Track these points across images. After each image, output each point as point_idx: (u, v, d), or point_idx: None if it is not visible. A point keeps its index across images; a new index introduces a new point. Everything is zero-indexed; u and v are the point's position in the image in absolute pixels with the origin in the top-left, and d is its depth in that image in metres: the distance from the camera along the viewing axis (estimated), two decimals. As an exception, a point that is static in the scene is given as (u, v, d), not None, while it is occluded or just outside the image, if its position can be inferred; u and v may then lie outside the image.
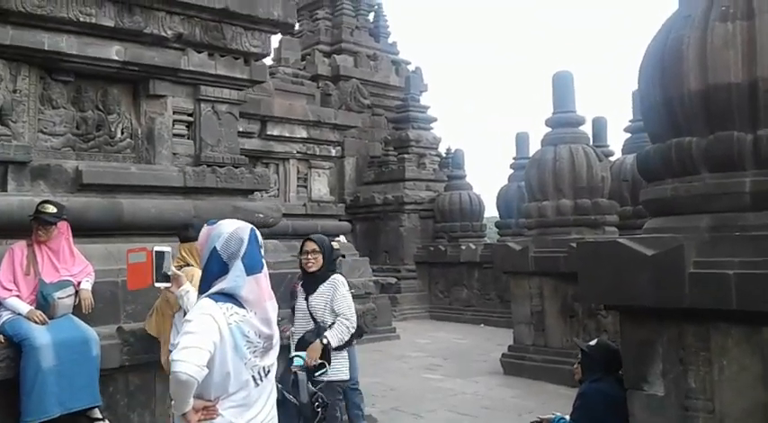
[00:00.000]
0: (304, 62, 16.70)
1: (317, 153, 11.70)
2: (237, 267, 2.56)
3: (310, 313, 4.69)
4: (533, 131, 9.20)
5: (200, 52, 6.07)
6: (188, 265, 4.68)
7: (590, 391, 3.90)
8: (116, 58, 5.61)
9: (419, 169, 15.70)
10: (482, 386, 7.97)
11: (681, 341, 3.48)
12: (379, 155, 16.44)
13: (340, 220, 13.10)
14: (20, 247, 4.35)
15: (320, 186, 11.86)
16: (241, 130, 10.65)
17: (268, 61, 14.95)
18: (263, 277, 2.64)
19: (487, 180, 54.52)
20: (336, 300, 4.63)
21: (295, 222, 11.29)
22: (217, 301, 2.51)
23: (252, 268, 2.59)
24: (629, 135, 11.06)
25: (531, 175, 8.78)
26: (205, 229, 2.70)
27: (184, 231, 4.76)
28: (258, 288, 2.59)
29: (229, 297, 2.54)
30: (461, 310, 14.30)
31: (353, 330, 4.64)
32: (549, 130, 8.85)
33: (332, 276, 4.71)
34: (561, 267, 7.94)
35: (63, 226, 4.56)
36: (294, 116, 11.15)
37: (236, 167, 6.30)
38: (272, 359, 2.68)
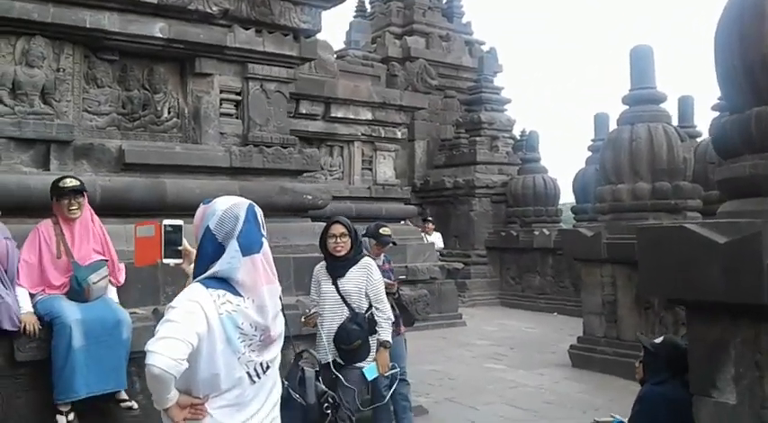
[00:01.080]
0: (374, 45, 16.42)
1: (383, 135, 11.39)
2: (232, 247, 2.28)
3: (343, 298, 4.43)
4: (614, 113, 8.62)
5: (247, 29, 5.86)
6: None
7: (651, 395, 3.46)
8: (160, 35, 5.46)
9: (491, 152, 15.16)
10: (547, 379, 7.52)
11: (757, 343, 2.99)
12: (450, 138, 15.99)
13: (406, 204, 12.80)
14: (46, 226, 4.21)
15: (385, 169, 11.55)
16: (304, 112, 10.52)
17: (338, 45, 14.76)
18: (261, 259, 2.34)
19: (564, 165, 52.79)
20: (371, 285, 4.39)
21: (359, 205, 11.06)
22: (208, 287, 2.24)
23: (248, 248, 2.30)
24: (716, 114, 10.19)
25: (605, 156, 8.19)
26: (201, 207, 2.44)
27: None
28: (255, 270, 2.29)
29: (223, 283, 2.27)
30: (534, 297, 13.75)
31: (392, 320, 4.36)
32: (626, 108, 8.22)
33: (363, 260, 4.43)
34: (636, 255, 7.33)
35: (86, 201, 4.41)
36: (359, 98, 10.87)
37: (285, 148, 6.08)
38: (272, 353, 2.39)
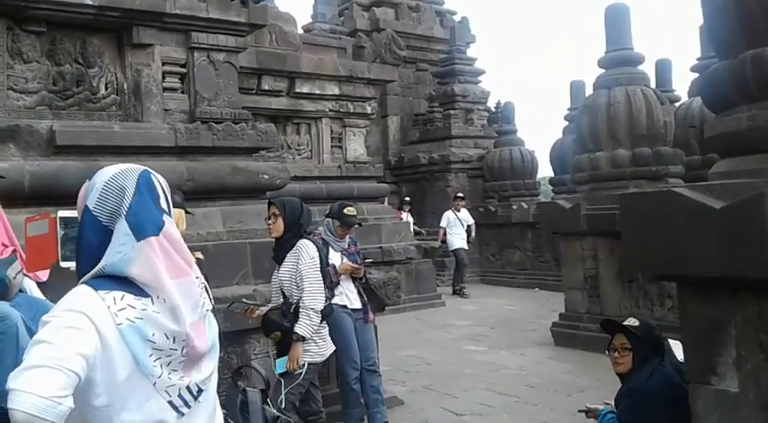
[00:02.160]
0: (342, 18, 15.85)
1: (352, 111, 10.90)
2: (121, 230, 1.63)
3: (280, 287, 4.07)
4: (591, 80, 8.20)
5: (188, -7, 5.34)
6: None
7: (645, 388, 3.03)
8: (90, 2, 4.94)
9: (466, 126, 14.72)
10: (529, 359, 7.16)
11: (762, 321, 2.60)
12: (423, 112, 15.51)
13: (379, 182, 12.36)
14: None
15: (356, 146, 11.08)
16: (267, 88, 9.98)
17: (304, 19, 14.13)
18: (163, 242, 1.63)
19: (542, 137, 52.04)
20: (298, 269, 3.97)
21: (329, 185, 10.62)
22: (97, 289, 1.56)
23: (141, 228, 1.62)
24: (696, 76, 9.83)
25: (582, 123, 7.79)
26: (84, 184, 1.77)
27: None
28: (155, 258, 1.60)
29: (120, 281, 1.60)
30: (514, 273, 13.42)
31: (318, 309, 3.99)
32: (603, 71, 7.81)
33: (297, 243, 4.01)
34: (617, 226, 6.96)
35: None
36: (324, 71, 10.35)
37: (237, 123, 5.59)
38: (204, 372, 1.71)
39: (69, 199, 4.69)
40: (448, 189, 14.24)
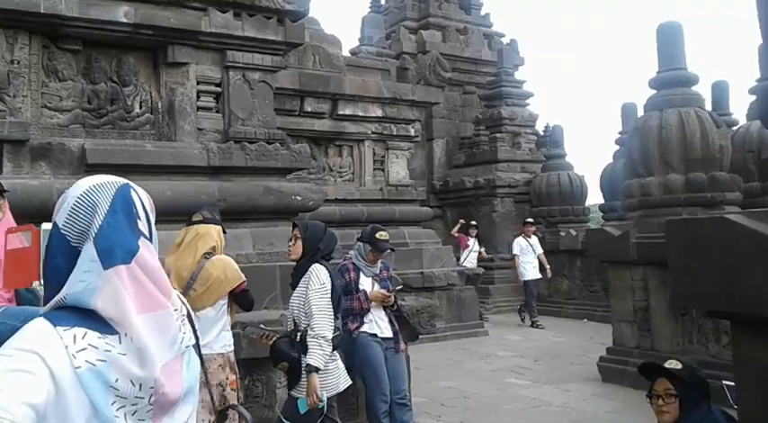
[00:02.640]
0: (389, 41, 15.80)
1: (395, 133, 10.76)
2: (87, 256, 1.40)
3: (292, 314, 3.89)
4: (643, 102, 7.85)
5: (224, 11, 5.30)
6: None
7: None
8: (125, 20, 4.92)
9: (513, 149, 14.41)
10: (573, 396, 6.78)
11: (831, 369, 2.28)
12: (470, 135, 15.27)
13: (422, 206, 12.14)
14: None
15: (398, 169, 10.92)
16: (310, 110, 9.93)
17: (351, 43, 14.14)
18: (135, 271, 1.40)
19: (592, 162, 50.79)
20: (307, 299, 3.75)
21: (371, 208, 10.46)
22: (56, 324, 1.34)
23: (110, 254, 1.38)
24: (755, 98, 9.36)
25: (632, 146, 7.44)
26: (61, 196, 1.63)
27: (193, 216, 4.01)
28: (123, 290, 1.37)
29: (82, 314, 1.37)
30: (562, 303, 12.95)
31: (329, 337, 3.72)
32: (654, 92, 7.46)
33: (310, 268, 3.80)
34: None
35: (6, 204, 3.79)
36: (368, 93, 10.27)
37: (270, 143, 5.48)
38: (179, 419, 1.49)
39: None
40: (493, 214, 13.92)
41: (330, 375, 3.72)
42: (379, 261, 5.01)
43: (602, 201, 13.67)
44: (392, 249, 5.02)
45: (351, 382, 3.90)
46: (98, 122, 5.10)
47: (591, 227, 13.37)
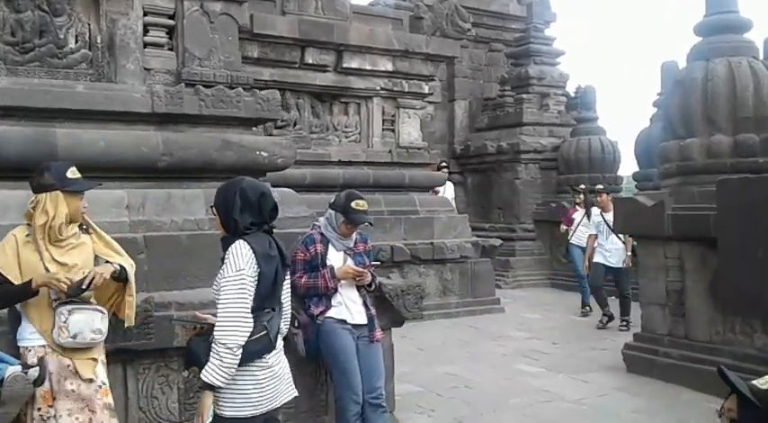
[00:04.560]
0: (410, -8, 14.66)
1: (406, 90, 9.80)
2: None
3: None
4: (684, 62, 6.87)
5: (175, -75, 4.37)
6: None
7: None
8: (50, -68, 4.02)
9: (541, 112, 13.30)
10: (592, 388, 5.88)
11: None
12: (494, 97, 14.18)
13: (440, 169, 11.20)
14: None
15: (410, 130, 9.97)
16: (311, 61, 9.00)
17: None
18: None
19: (626, 128, 48.11)
20: (220, 284, 2.83)
21: (378, 171, 9.58)
22: None
23: None
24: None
25: (671, 103, 6.39)
26: None
27: (36, 176, 3.13)
28: None
29: None
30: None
31: (234, 346, 2.68)
32: (700, 40, 6.37)
33: (230, 246, 2.87)
34: (712, 230, 5.60)
35: None
36: (376, 44, 9.29)
37: (232, 88, 4.59)
38: None
39: (14, 172, 3.80)
40: (516, 181, 12.89)
41: (238, 393, 2.79)
42: (355, 232, 4.12)
43: (636, 170, 12.55)
44: (370, 223, 4.12)
45: (289, 398, 2.97)
46: (22, 59, 4.25)
47: (623, 196, 12.29)
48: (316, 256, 3.95)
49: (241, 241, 2.80)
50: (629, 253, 8.53)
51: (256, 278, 2.77)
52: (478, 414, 5.19)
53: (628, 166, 15.14)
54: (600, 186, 9.62)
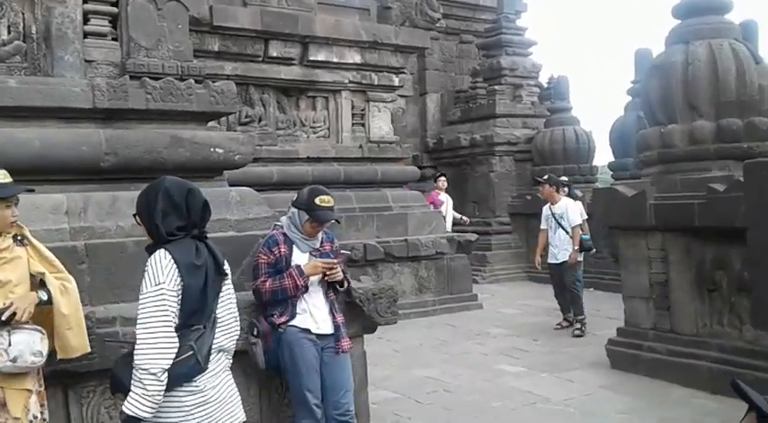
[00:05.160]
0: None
1: (376, 82, 9.48)
2: None
3: None
4: (659, 49, 6.69)
5: None
6: None
7: None
8: None
9: (514, 103, 13.07)
10: (577, 388, 5.62)
11: None
12: (466, 89, 13.91)
13: (409, 165, 10.89)
14: None
15: (381, 124, 9.66)
16: (276, 55, 8.63)
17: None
18: None
19: (600, 118, 48.13)
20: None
21: (348, 168, 9.25)
22: None
23: None
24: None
25: (650, 88, 6.14)
26: None
27: None
28: None
29: None
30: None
31: (158, 371, 2.36)
32: (678, 22, 6.14)
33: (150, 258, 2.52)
34: (696, 220, 5.37)
35: None
36: (343, 36, 8.97)
37: (183, 80, 4.22)
38: None
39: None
40: (491, 174, 12.65)
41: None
42: (321, 232, 3.79)
43: (611, 160, 12.38)
44: (338, 221, 3.78)
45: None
46: (-53, 52, 3.85)
47: (598, 187, 12.10)
48: (280, 259, 3.61)
49: (161, 251, 2.47)
50: (576, 247, 7.81)
51: (179, 292, 2.43)
52: (459, 421, 4.89)
53: (602, 157, 14.98)
54: (546, 176, 8.60)
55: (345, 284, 3.78)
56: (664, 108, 5.95)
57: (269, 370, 3.57)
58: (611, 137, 11.65)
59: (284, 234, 3.71)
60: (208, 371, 2.50)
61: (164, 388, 2.36)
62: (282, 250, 3.65)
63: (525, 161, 12.70)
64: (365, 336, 4.25)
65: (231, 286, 2.76)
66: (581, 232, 8.02)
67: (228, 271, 2.73)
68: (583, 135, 12.19)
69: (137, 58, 4.17)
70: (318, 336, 3.56)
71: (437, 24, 10.99)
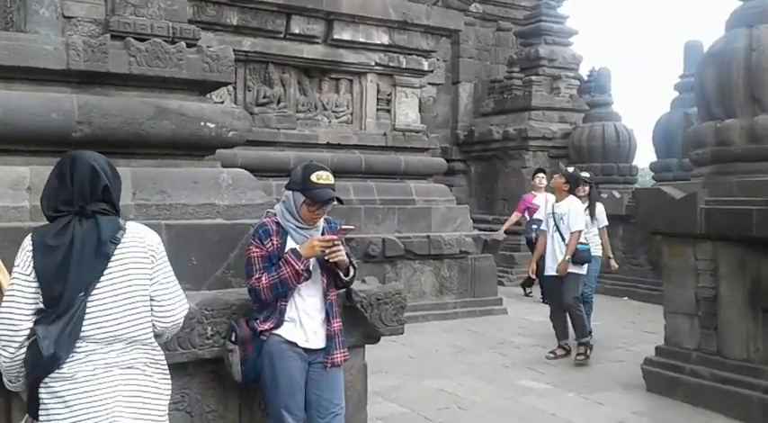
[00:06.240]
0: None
1: (404, 66, 8.89)
2: None
3: None
4: (710, 41, 6.04)
5: None
6: None
7: None
8: None
9: (551, 95, 12.39)
10: (607, 414, 5.01)
11: None
12: (501, 79, 13.25)
13: (436, 157, 10.30)
14: None
15: (408, 110, 9.07)
16: (298, 32, 8.08)
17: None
18: None
19: (644, 116, 46.32)
20: None
21: (370, 156, 8.69)
22: None
23: None
24: None
25: (705, 78, 5.47)
26: None
27: None
28: None
29: None
30: (599, 277, 11.00)
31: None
32: (740, 4, 5.45)
33: None
34: (755, 229, 4.71)
35: None
36: (370, 14, 8.38)
37: (174, 43, 3.69)
38: None
39: None
40: (523, 170, 11.99)
41: (42, 409, 2.17)
42: (322, 219, 3.21)
43: (653, 160, 11.63)
44: (340, 201, 3.18)
45: None
46: None
47: (638, 189, 11.38)
48: (273, 253, 3.04)
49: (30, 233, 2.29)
50: (568, 258, 6.36)
51: (32, 275, 2.21)
52: (472, 446, 4.33)
53: (643, 157, 14.20)
54: (568, 169, 7.29)
55: (351, 272, 3.19)
56: (721, 100, 5.28)
57: (247, 383, 3.03)
58: (654, 135, 10.90)
59: (277, 222, 3.14)
60: (81, 360, 2.18)
61: (13, 370, 2.24)
62: (275, 242, 3.08)
63: (560, 158, 12.01)
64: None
65: (128, 268, 2.30)
66: (581, 240, 6.47)
67: (116, 251, 2.28)
68: (624, 132, 11.47)
69: (122, 16, 3.66)
70: (305, 350, 3.00)
71: (473, 9, 10.40)
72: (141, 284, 2.30)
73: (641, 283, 10.23)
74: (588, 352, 6.33)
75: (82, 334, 2.18)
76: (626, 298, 10.29)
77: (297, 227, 3.12)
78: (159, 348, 2.38)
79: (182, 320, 2.45)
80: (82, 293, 2.19)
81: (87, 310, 2.19)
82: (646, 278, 10.25)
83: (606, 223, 7.53)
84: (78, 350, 2.18)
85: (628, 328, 8.09)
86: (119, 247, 2.28)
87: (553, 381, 5.81)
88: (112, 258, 2.26)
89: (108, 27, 3.64)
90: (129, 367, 2.23)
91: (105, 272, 2.24)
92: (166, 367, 2.40)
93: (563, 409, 5.06)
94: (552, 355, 6.60)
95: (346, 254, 3.09)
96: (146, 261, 2.33)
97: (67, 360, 2.16)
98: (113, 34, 3.59)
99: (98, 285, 2.22)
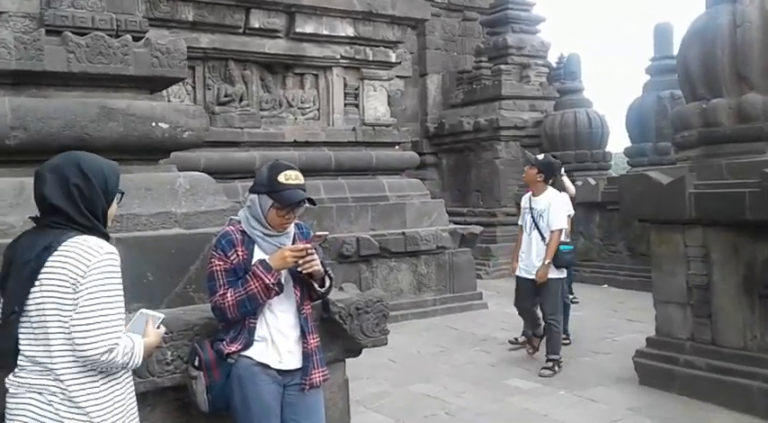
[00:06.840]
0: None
1: (371, 58, 8.58)
2: None
3: None
4: (681, 24, 5.82)
5: None
6: None
7: None
8: None
9: (521, 84, 12.18)
10: (601, 411, 4.78)
11: None
12: (469, 69, 13.01)
13: (408, 151, 10.02)
14: None
15: (377, 104, 8.76)
16: (258, 26, 7.72)
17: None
18: None
19: (615, 101, 46.47)
20: None
21: (340, 153, 8.37)
22: None
23: None
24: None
25: (688, 58, 5.25)
26: None
27: None
28: None
29: None
30: (577, 265, 10.82)
31: None
32: (721, -20, 5.23)
33: None
34: (747, 212, 4.50)
35: None
36: (334, 5, 8.06)
37: (119, 36, 3.33)
38: None
39: None
40: (496, 161, 11.77)
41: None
42: (292, 224, 2.87)
43: (626, 145, 11.48)
44: (312, 202, 2.84)
45: None
46: None
47: (612, 175, 11.23)
48: (240, 264, 2.71)
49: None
50: (548, 262, 5.72)
51: None
52: (465, 457, 4.05)
53: (616, 143, 14.08)
54: (538, 157, 6.32)
55: (327, 282, 2.87)
56: (706, 80, 5.06)
57: (215, 411, 2.70)
58: (627, 120, 10.74)
59: (242, 231, 2.81)
60: (15, 374, 2.12)
61: None
62: (240, 253, 2.74)
63: (533, 146, 11.79)
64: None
65: (45, 291, 2.08)
66: (562, 238, 5.92)
67: (42, 271, 2.08)
68: (596, 118, 11.29)
69: (58, 9, 3.29)
70: (279, 372, 2.68)
71: (438, 0, 10.10)
72: (56, 311, 2.07)
73: (620, 270, 10.10)
74: (557, 368, 5.71)
75: (19, 349, 2.12)
76: (606, 285, 10.15)
77: (264, 234, 2.79)
78: (81, 380, 2.06)
79: (100, 357, 2.03)
80: (17, 309, 2.10)
81: (20, 328, 2.11)
82: (624, 264, 10.11)
83: (572, 213, 7.12)
84: (19, 364, 2.12)
85: (611, 318, 7.90)
86: (45, 267, 2.07)
87: (542, 379, 5.57)
88: (39, 278, 2.08)
89: (43, 21, 3.27)
90: (38, 393, 2.08)
91: (33, 290, 2.08)
92: (85, 403, 2.05)
93: (555, 408, 4.82)
94: (514, 341, 6.51)
95: (321, 263, 2.77)
96: (65, 286, 2.06)
97: (11, 374, 2.13)
98: (49, 29, 3.23)
99: (27, 304, 2.09)
